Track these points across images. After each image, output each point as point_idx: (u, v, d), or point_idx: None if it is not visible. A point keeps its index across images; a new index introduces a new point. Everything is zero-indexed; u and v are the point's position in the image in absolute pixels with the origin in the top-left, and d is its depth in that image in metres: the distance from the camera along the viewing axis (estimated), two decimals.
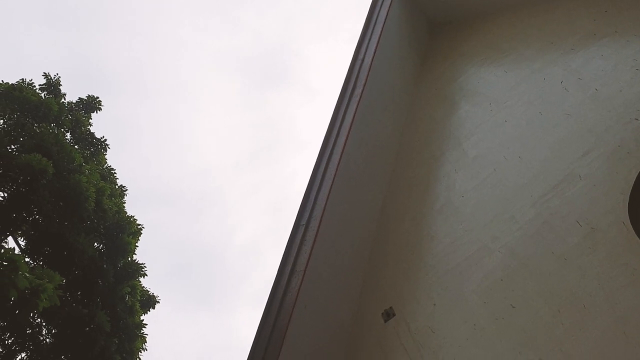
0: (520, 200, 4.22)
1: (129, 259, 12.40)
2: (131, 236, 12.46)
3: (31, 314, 10.26)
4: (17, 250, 10.83)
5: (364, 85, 6.14)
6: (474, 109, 5.59)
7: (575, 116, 4.35)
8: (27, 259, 11.33)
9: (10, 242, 12.85)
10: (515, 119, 4.95)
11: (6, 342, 10.55)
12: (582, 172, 3.91)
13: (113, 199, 12.82)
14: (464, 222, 4.61)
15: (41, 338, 11.03)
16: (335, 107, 6.29)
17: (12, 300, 7.65)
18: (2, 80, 12.02)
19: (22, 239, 11.62)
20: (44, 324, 11.09)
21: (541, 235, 3.85)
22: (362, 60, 6.58)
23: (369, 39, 6.75)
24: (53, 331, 10.99)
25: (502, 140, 4.89)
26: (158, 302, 13.53)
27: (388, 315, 4.63)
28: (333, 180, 5.32)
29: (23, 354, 10.83)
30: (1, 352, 10.49)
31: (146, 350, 12.29)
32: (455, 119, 5.75)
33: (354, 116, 5.84)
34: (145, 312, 13.01)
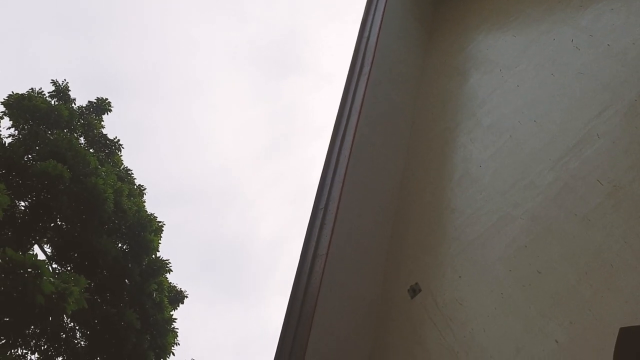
0: (539, 165, 4.15)
1: (153, 256, 12.52)
2: (153, 234, 12.56)
3: (64, 319, 10.43)
4: (43, 258, 10.99)
5: (372, 63, 6.08)
6: (485, 77, 5.51)
7: (589, 74, 4.26)
8: (54, 266, 11.51)
9: (37, 251, 13.02)
10: (527, 83, 4.86)
11: (42, 347, 10.75)
12: (599, 130, 3.83)
13: (132, 198, 12.91)
14: (484, 191, 4.56)
15: (75, 342, 11.22)
16: (345, 88, 6.24)
17: (40, 306, 7.77)
18: (13, 91, 12.11)
19: (47, 246, 11.78)
20: (77, 327, 11.27)
21: (562, 198, 3.78)
22: (368, 39, 6.51)
23: (373, 16, 6.68)
24: (87, 333, 11.18)
25: (515, 106, 4.82)
26: (186, 296, 13.67)
27: (414, 291, 4.61)
28: (348, 162, 5.29)
29: (59, 358, 11.04)
30: (39, 358, 10.69)
31: (178, 344, 12.45)
32: (466, 89, 5.67)
33: (364, 95, 5.80)
34: (174, 308, 13.15)
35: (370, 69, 6.01)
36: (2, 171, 10.34)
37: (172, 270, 12.72)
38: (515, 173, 4.35)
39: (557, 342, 3.24)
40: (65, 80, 13.42)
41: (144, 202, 13.53)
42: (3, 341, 9.64)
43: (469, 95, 5.58)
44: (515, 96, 4.90)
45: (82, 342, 11.34)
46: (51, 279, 7.97)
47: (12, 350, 10.06)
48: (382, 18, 6.39)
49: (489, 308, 3.81)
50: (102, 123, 14.02)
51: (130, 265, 11.77)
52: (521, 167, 4.32)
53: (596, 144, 3.79)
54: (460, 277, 4.24)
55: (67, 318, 10.95)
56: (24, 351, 10.51)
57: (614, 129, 3.75)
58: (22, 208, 11.03)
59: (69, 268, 11.32)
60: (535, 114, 4.53)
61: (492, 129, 4.92)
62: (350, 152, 5.34)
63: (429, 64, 6.62)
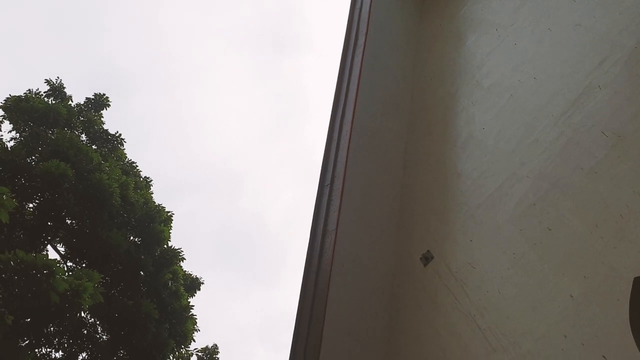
0: (542, 122, 4.11)
1: (165, 246, 12.59)
2: (162, 224, 12.62)
3: (82, 315, 10.55)
4: (57, 258, 11.09)
5: (366, 34, 6.01)
6: (481, 38, 5.44)
7: (586, 26, 4.19)
8: (69, 264, 11.61)
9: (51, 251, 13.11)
10: (524, 40, 4.80)
11: (65, 345, 10.90)
12: (600, 81, 3.78)
13: (139, 191, 12.94)
14: (489, 153, 4.53)
15: (97, 336, 11.37)
16: (341, 62, 6.17)
17: (55, 304, 7.87)
18: (10, 94, 12.10)
19: (60, 246, 11.87)
20: (97, 322, 11.40)
21: (568, 153, 3.75)
22: (360, 9, 6.42)
23: None
24: (108, 327, 11.31)
25: (514, 65, 4.76)
26: (202, 283, 13.80)
27: (427, 258, 4.61)
28: (350, 136, 5.26)
29: (84, 354, 11.20)
30: (63, 355, 10.84)
31: (198, 330, 12.60)
32: (464, 52, 5.61)
33: (360, 67, 5.74)
34: (191, 295, 13.27)
35: (365, 40, 5.94)
36: (7, 175, 10.36)
37: (185, 259, 12.83)
38: (518, 132, 4.32)
39: (572, 296, 3.24)
40: (58, 78, 13.35)
41: (151, 193, 13.56)
42: (27, 342, 9.79)
43: (467, 57, 5.52)
44: (514, 55, 4.84)
45: (104, 337, 11.48)
46: (64, 276, 8.04)
47: (36, 350, 10.21)
48: None
49: (502, 269, 3.81)
50: (102, 119, 13.99)
51: (143, 256, 11.85)
52: (524, 126, 4.28)
53: (598, 95, 3.75)
54: (471, 241, 4.24)
55: (87, 314, 11.08)
56: (48, 350, 10.66)
57: (615, 79, 3.70)
58: (31, 210, 11.09)
59: (83, 265, 11.41)
60: (534, 71, 4.48)
61: (492, 89, 4.88)
62: (352, 127, 5.30)
63: (425, 29, 6.54)
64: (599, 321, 3.06)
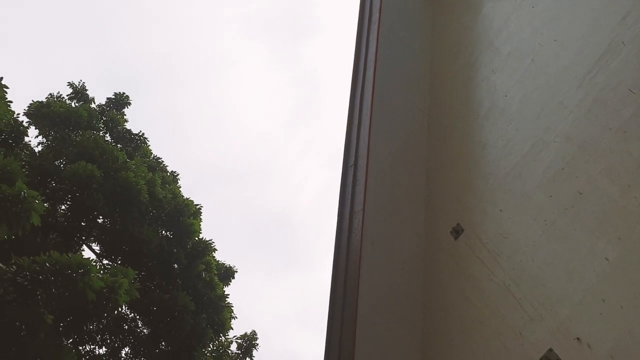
0: (566, 84, 4.01)
1: (196, 238, 12.74)
2: (192, 217, 12.75)
3: (121, 310, 10.77)
4: (92, 257, 11.34)
5: (380, 8, 5.92)
6: (498, 4, 5.32)
7: None
8: (105, 262, 11.85)
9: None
10: (542, 1, 4.68)
11: (107, 340, 11.16)
12: (624, 37, 3.66)
13: (167, 186, 13.08)
14: (513, 121, 4.45)
15: (138, 330, 11.61)
16: (357, 40, 6.10)
17: (92, 302, 8.07)
18: (33, 100, 12.30)
19: (95, 245, 12.11)
20: (137, 317, 11.63)
21: (594, 114, 3.66)
22: None
23: None
24: (147, 321, 11.53)
25: (533, 28, 4.65)
26: (236, 271, 13.97)
27: (457, 232, 4.57)
28: (371, 114, 5.21)
29: (127, 349, 11.46)
30: (107, 351, 11.12)
31: (236, 318, 12.78)
32: (481, 19, 5.50)
33: (377, 43, 5.66)
34: (226, 284, 13.44)
35: (379, 16, 5.85)
36: (37, 179, 10.57)
37: (216, 250, 12.97)
38: (542, 97, 4.23)
39: (607, 259, 3.18)
40: (81, 81, 13.55)
41: (179, 187, 13.70)
42: (70, 340, 10.05)
43: (484, 25, 5.41)
44: (532, 18, 4.73)
45: (144, 330, 11.71)
46: (99, 274, 8.23)
47: (80, 347, 10.47)
48: None
49: (534, 237, 3.75)
50: (125, 117, 14.14)
51: (175, 250, 12.03)
52: (548, 90, 4.19)
53: (622, 52, 3.64)
54: (501, 210, 4.18)
55: (127, 309, 11.32)
56: (92, 346, 10.93)
57: (639, 34, 3.58)
58: (63, 211, 11.31)
59: (118, 262, 11.63)
60: (555, 33, 4.37)
61: (512, 56, 4.78)
62: (372, 105, 5.25)
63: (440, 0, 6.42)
64: (637, 283, 2.99)
